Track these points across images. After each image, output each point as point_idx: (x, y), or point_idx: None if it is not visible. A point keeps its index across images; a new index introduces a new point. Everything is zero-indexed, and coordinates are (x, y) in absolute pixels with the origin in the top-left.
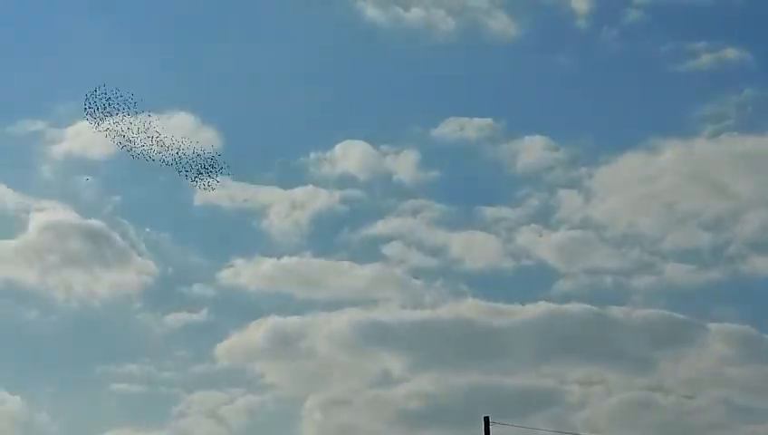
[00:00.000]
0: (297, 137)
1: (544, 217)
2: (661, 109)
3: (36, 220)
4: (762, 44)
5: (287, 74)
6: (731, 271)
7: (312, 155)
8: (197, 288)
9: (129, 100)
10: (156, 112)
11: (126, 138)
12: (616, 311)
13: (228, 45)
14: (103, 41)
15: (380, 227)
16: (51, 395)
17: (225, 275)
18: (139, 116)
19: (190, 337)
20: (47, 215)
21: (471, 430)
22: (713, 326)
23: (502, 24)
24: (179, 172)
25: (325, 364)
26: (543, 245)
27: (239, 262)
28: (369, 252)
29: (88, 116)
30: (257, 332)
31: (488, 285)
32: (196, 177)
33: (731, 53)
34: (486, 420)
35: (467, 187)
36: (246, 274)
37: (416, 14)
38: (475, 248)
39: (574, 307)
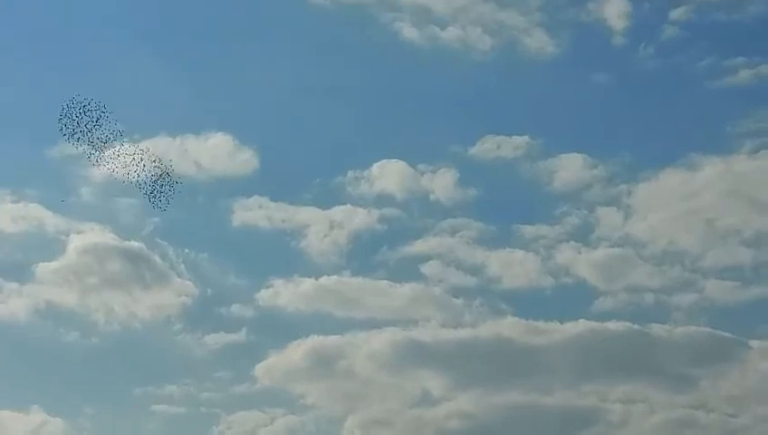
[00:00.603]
0: (334, 157)
1: (583, 235)
2: (700, 125)
3: (76, 242)
4: None
5: (324, 94)
6: None
7: (350, 174)
8: (236, 309)
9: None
10: (194, 134)
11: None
12: (657, 329)
13: (265, 67)
14: (141, 64)
15: (419, 246)
16: (91, 417)
17: (264, 296)
18: (177, 138)
19: (230, 358)
20: (87, 237)
21: None
22: (755, 343)
23: (539, 42)
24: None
25: (365, 384)
26: (583, 263)
27: (278, 282)
28: (408, 271)
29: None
30: (296, 352)
31: (528, 303)
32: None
33: None
34: None
35: (505, 205)
36: (285, 294)
37: (452, 33)
38: (513, 267)
39: (615, 325)
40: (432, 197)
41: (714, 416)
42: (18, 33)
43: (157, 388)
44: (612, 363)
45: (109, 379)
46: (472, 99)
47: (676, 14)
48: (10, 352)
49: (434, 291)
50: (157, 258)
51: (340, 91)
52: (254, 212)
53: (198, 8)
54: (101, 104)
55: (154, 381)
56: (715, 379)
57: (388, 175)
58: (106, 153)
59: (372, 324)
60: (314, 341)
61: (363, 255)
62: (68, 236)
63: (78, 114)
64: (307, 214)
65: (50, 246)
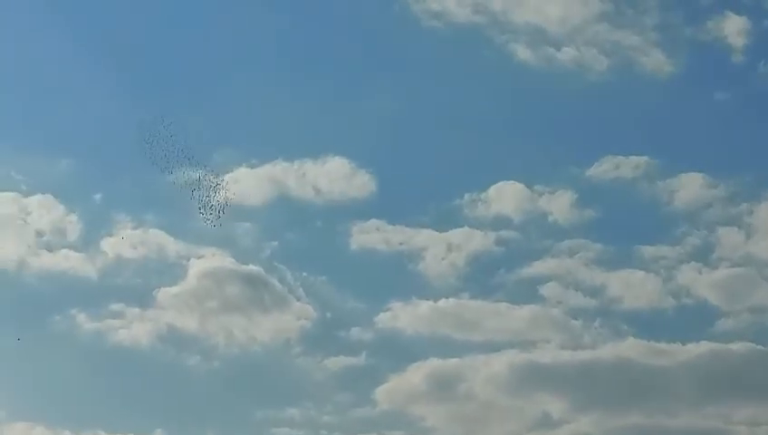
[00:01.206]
0: (451, 179)
1: (704, 255)
2: None
3: (196, 267)
4: None
5: (440, 117)
6: None
7: (467, 197)
8: (356, 332)
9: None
10: (311, 158)
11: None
12: None
13: (381, 90)
14: (257, 89)
15: (537, 268)
16: None
17: (383, 319)
18: (295, 162)
19: (350, 381)
20: (206, 262)
21: None
22: None
23: (656, 61)
24: None
25: (484, 407)
26: (704, 283)
27: (396, 305)
28: (527, 293)
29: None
30: (416, 375)
31: (648, 324)
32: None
33: None
34: None
35: (624, 226)
36: (404, 317)
37: (567, 53)
38: (634, 288)
39: (738, 346)
40: (550, 218)
41: None
42: (146, 65)
43: (277, 411)
44: (736, 385)
45: (230, 402)
46: (589, 119)
47: None
48: (134, 377)
49: (553, 313)
50: (275, 282)
51: (455, 113)
52: (372, 235)
53: (313, 34)
54: (219, 130)
55: (275, 405)
56: None
57: (506, 197)
58: (224, 178)
59: (491, 347)
60: (433, 364)
61: (481, 277)
62: (188, 260)
63: (195, 140)
64: (424, 237)
65: (171, 271)
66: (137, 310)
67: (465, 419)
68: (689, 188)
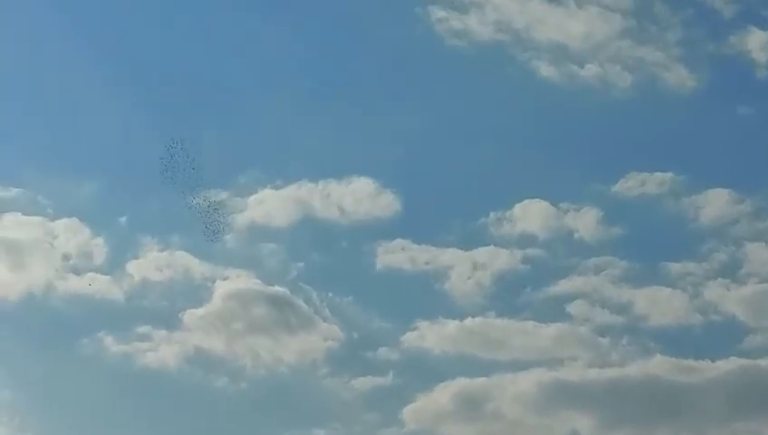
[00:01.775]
0: (476, 198)
1: (732, 271)
2: None
3: (222, 289)
4: None
5: (464, 136)
6: None
7: (492, 215)
8: (383, 352)
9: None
10: (336, 178)
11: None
12: None
13: (405, 110)
14: (281, 110)
15: (563, 286)
16: None
17: (410, 338)
18: (319, 183)
19: (377, 401)
20: (232, 283)
21: None
22: None
23: (679, 77)
24: None
25: (513, 426)
26: (732, 299)
27: (423, 324)
28: (553, 311)
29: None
30: (444, 394)
31: (676, 341)
32: None
33: None
34: None
35: (651, 242)
36: (430, 336)
37: (590, 70)
38: (661, 304)
39: (767, 362)
40: (576, 235)
41: None
42: (170, 87)
43: (305, 432)
44: (766, 401)
45: (257, 423)
46: (613, 136)
47: None
48: (161, 399)
49: (580, 331)
50: (301, 303)
51: (479, 131)
52: (398, 255)
53: (337, 54)
54: (243, 152)
55: (302, 426)
56: None
57: (531, 215)
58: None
59: (518, 366)
60: (461, 383)
61: (507, 296)
62: (214, 282)
63: (219, 162)
64: (450, 256)
65: (197, 293)
66: (164, 332)
67: None
68: (715, 203)
